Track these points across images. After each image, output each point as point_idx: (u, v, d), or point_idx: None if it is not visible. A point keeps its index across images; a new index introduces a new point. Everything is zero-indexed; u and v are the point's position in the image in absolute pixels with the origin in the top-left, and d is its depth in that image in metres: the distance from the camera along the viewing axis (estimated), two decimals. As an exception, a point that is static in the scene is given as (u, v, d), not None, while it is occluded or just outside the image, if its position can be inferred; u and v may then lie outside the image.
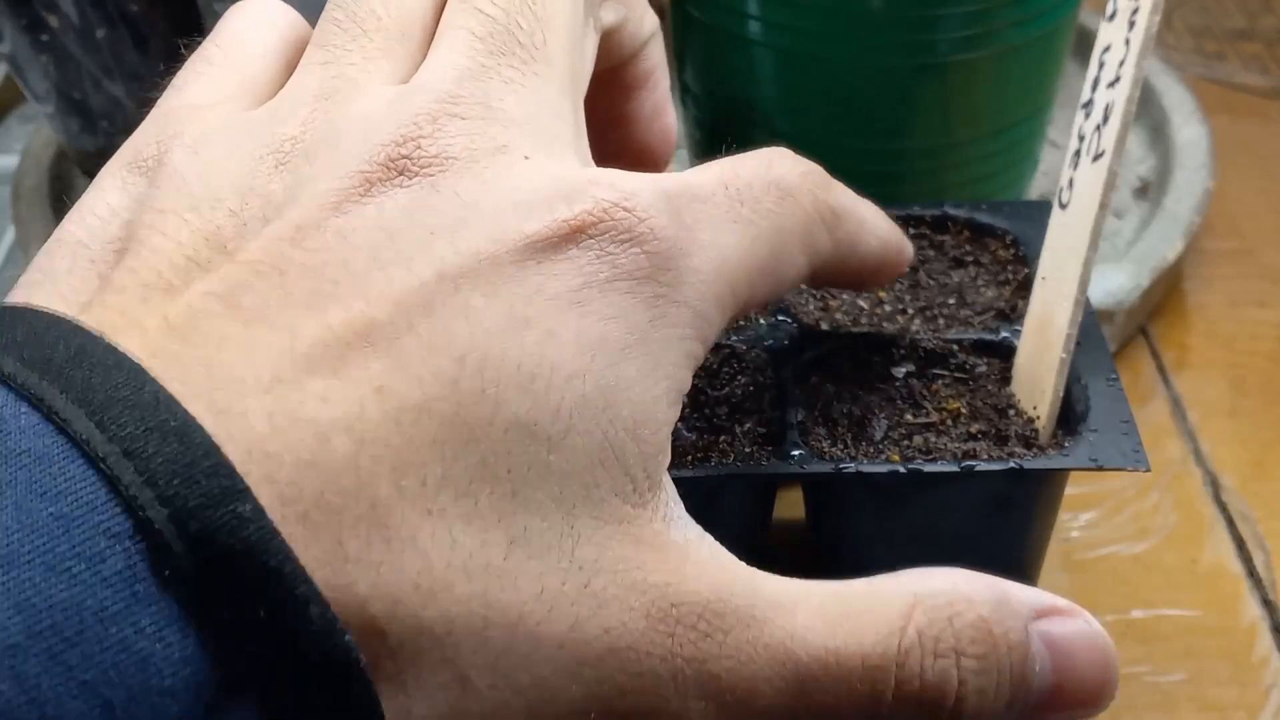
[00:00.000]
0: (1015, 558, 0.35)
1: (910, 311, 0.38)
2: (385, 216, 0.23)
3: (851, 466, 0.32)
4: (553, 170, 0.24)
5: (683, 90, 0.50)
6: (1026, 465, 0.32)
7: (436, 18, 0.27)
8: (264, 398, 0.20)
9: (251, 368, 0.21)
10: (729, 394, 0.35)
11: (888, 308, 0.38)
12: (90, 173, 0.57)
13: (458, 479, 0.21)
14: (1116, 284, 0.51)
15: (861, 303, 0.38)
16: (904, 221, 0.40)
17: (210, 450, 0.19)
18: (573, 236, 0.23)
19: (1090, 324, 0.35)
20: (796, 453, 0.32)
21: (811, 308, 0.38)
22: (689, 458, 0.33)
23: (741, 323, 0.37)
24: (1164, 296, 0.56)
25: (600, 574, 0.23)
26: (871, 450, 0.33)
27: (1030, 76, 0.46)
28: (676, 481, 0.32)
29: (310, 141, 0.24)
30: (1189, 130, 0.60)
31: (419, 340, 0.22)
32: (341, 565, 0.20)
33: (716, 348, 0.36)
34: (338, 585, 0.20)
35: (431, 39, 0.27)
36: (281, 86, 0.27)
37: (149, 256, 0.23)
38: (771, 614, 0.25)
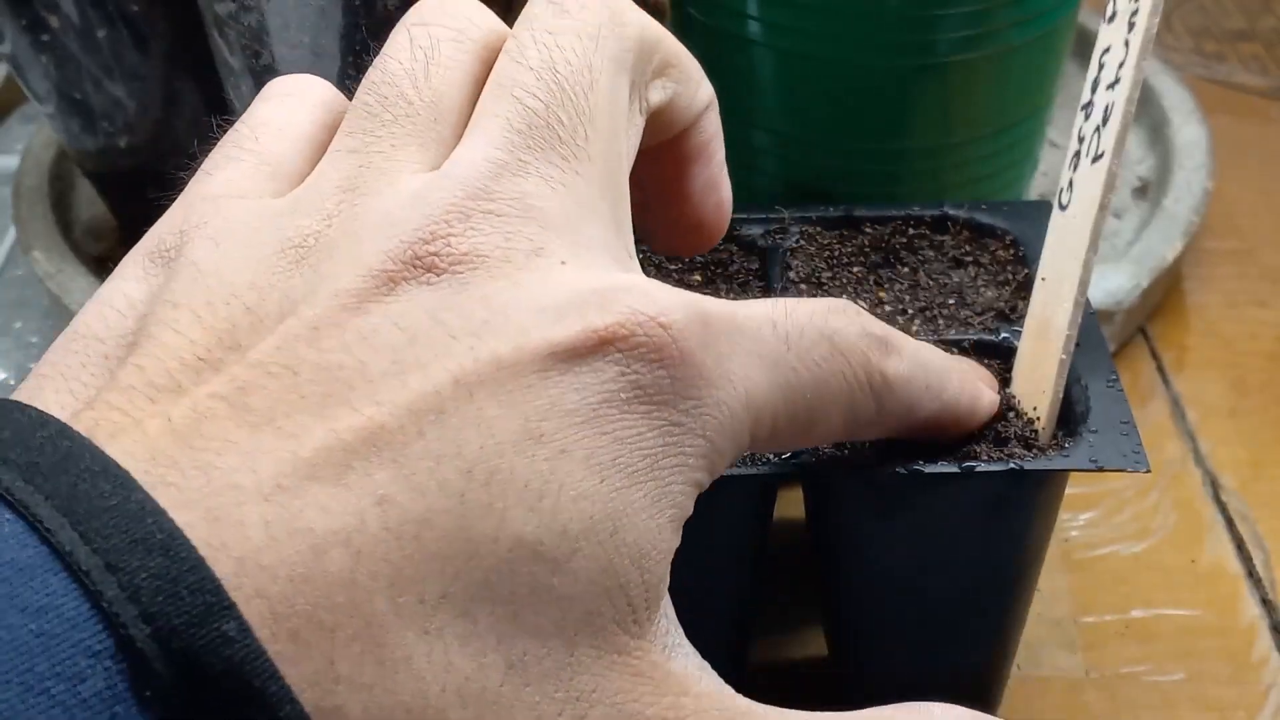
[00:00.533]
0: (1015, 559, 0.35)
1: (910, 312, 0.38)
2: (407, 317, 0.22)
3: (851, 468, 0.32)
4: (589, 278, 0.23)
5: (683, 90, 0.50)
6: (1026, 466, 0.32)
7: (473, 100, 0.25)
8: (262, 506, 0.20)
9: (253, 474, 0.20)
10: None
11: (888, 308, 0.38)
12: (90, 173, 0.57)
13: (458, 597, 0.21)
14: (1116, 284, 0.51)
15: (861, 303, 0.38)
16: (904, 222, 0.40)
17: (197, 564, 0.19)
18: (600, 348, 0.22)
19: (1090, 325, 0.35)
20: (796, 453, 0.32)
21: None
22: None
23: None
24: (1163, 297, 0.56)
25: (598, 705, 0.22)
26: (871, 451, 0.33)
27: (1030, 77, 0.46)
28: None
29: (332, 236, 0.23)
30: (1188, 130, 0.60)
31: (427, 449, 0.21)
32: (332, 686, 0.19)
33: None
34: (326, 707, 0.19)
35: (466, 122, 0.25)
36: (312, 171, 0.26)
37: (159, 354, 0.22)
38: None
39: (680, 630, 0.24)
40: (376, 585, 0.20)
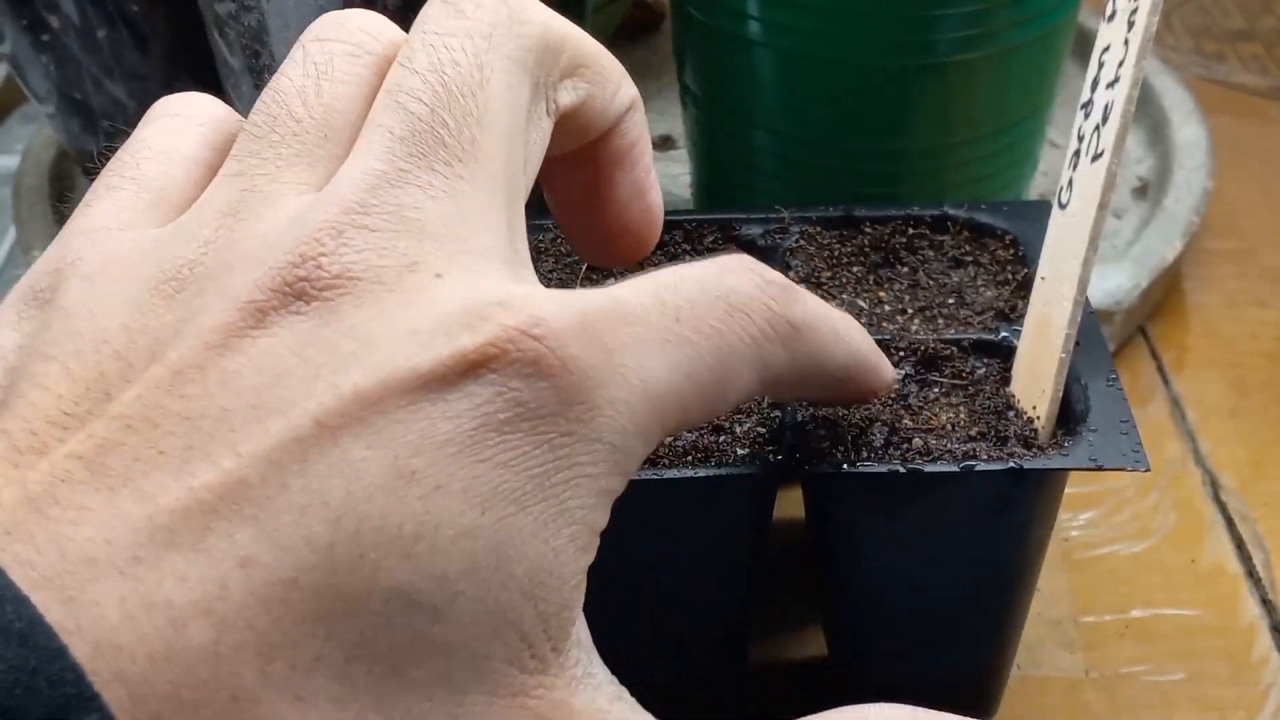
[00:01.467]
0: (1014, 558, 0.35)
1: (910, 311, 0.38)
2: (273, 354, 0.20)
3: (851, 467, 0.32)
4: (463, 291, 0.22)
5: (683, 90, 0.51)
6: (1026, 465, 0.32)
7: (366, 113, 0.24)
8: (118, 581, 0.19)
9: (107, 546, 0.19)
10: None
11: (887, 307, 0.38)
12: (91, 174, 0.57)
13: (332, 658, 0.19)
14: (1116, 284, 0.51)
15: (861, 302, 0.38)
16: (904, 221, 0.40)
17: (56, 653, 0.18)
18: (472, 370, 0.21)
19: (1090, 324, 0.35)
20: (796, 454, 0.32)
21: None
22: (689, 457, 0.33)
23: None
24: (1163, 296, 0.56)
25: None
26: (871, 451, 0.33)
27: (1030, 77, 0.46)
28: (676, 481, 0.32)
29: (209, 266, 0.22)
30: (1188, 130, 0.60)
31: (291, 501, 0.19)
32: None
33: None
34: None
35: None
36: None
37: (25, 414, 0.20)
38: None
39: (594, 657, 0.23)
40: (242, 655, 0.19)
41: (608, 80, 0.27)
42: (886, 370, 0.31)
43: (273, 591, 0.19)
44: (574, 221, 0.29)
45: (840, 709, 0.24)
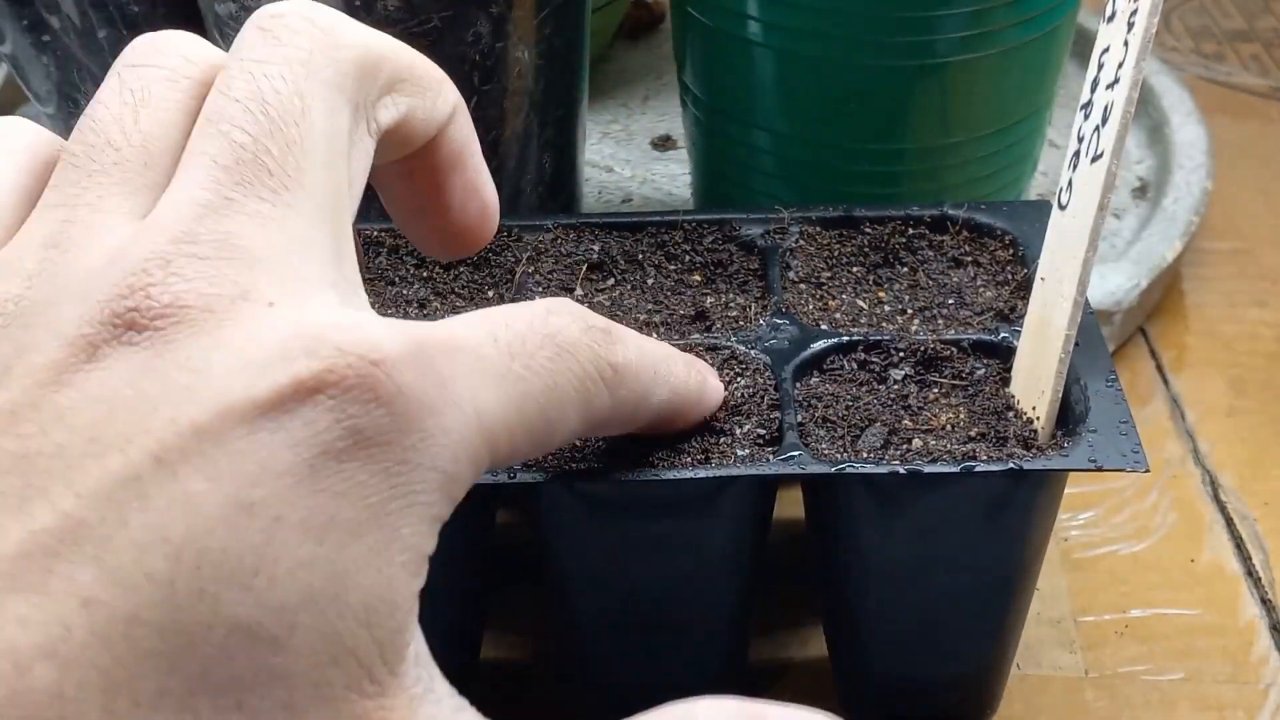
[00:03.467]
0: (1014, 558, 0.35)
1: (909, 312, 0.38)
2: (107, 388, 0.20)
3: (851, 468, 0.32)
4: (297, 319, 0.22)
5: (683, 90, 0.51)
6: (1026, 466, 0.32)
7: (186, 139, 0.24)
8: None
9: None
10: (729, 396, 0.35)
11: (887, 308, 0.38)
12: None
13: (175, 692, 0.19)
14: (1115, 284, 0.51)
15: (861, 303, 0.38)
16: (903, 222, 0.40)
17: None
18: (310, 397, 0.21)
19: (1089, 324, 0.35)
20: (796, 454, 0.32)
21: (811, 308, 0.38)
22: (688, 459, 0.33)
23: (741, 324, 0.37)
24: (1163, 296, 0.56)
25: None
26: (871, 451, 0.33)
27: (1030, 77, 0.46)
28: (676, 483, 0.32)
29: (33, 300, 0.22)
30: (1188, 130, 0.60)
31: (131, 539, 0.19)
32: None
33: (715, 349, 0.36)
34: None
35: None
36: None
37: None
38: None
39: (434, 672, 0.23)
40: (87, 695, 0.19)
41: (427, 90, 0.27)
42: (712, 396, 0.32)
43: (115, 629, 0.19)
44: (412, 225, 0.30)
45: (667, 705, 0.24)
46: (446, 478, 0.22)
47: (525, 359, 0.24)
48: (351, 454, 0.21)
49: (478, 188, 0.30)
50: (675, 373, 0.30)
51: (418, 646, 0.22)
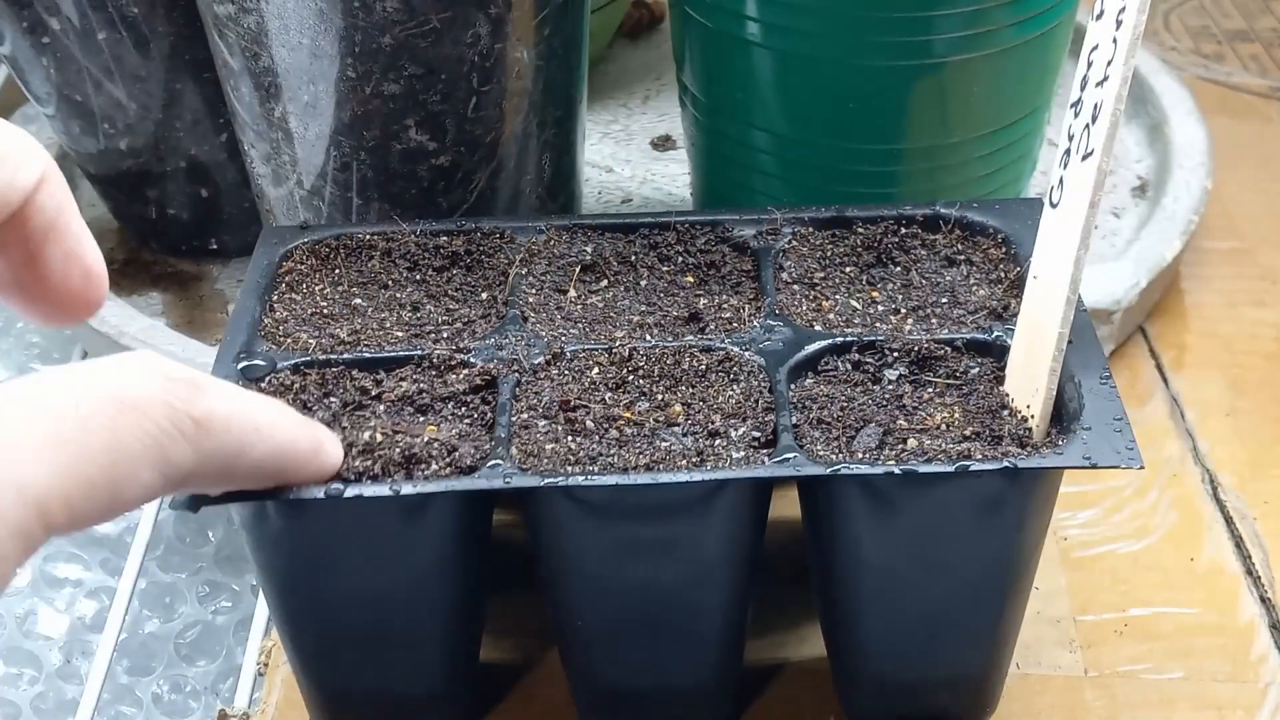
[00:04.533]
0: (1010, 557, 0.35)
1: (903, 311, 0.38)
2: None
3: (846, 468, 0.32)
4: None
5: (682, 90, 0.51)
6: (1021, 464, 0.32)
7: None
8: None
9: None
10: (724, 398, 0.35)
11: (880, 308, 0.38)
12: (91, 175, 0.57)
13: None
14: (1115, 283, 0.51)
15: (854, 303, 0.38)
16: (896, 221, 0.40)
17: None
18: None
19: (1082, 322, 0.35)
20: (791, 455, 0.32)
21: (805, 309, 0.38)
22: (684, 462, 0.33)
23: (734, 325, 0.37)
24: (1162, 296, 0.56)
25: None
26: (866, 452, 0.33)
27: (1028, 77, 0.46)
28: (673, 485, 0.32)
29: None
30: (1187, 130, 0.60)
31: None
32: None
33: (709, 350, 0.36)
34: None
35: None
36: None
37: None
38: None
39: None
40: None
41: (2, 164, 0.27)
42: (328, 458, 0.32)
43: None
44: (13, 294, 0.29)
45: None
46: None
47: (80, 421, 0.24)
48: None
49: (78, 254, 0.29)
50: (281, 427, 0.29)
51: None
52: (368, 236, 0.41)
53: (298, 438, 0.30)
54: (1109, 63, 0.29)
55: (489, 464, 0.32)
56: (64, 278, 0.29)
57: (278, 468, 0.30)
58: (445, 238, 0.41)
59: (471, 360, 0.36)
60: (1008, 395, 0.34)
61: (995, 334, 0.36)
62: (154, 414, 0.25)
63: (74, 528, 0.24)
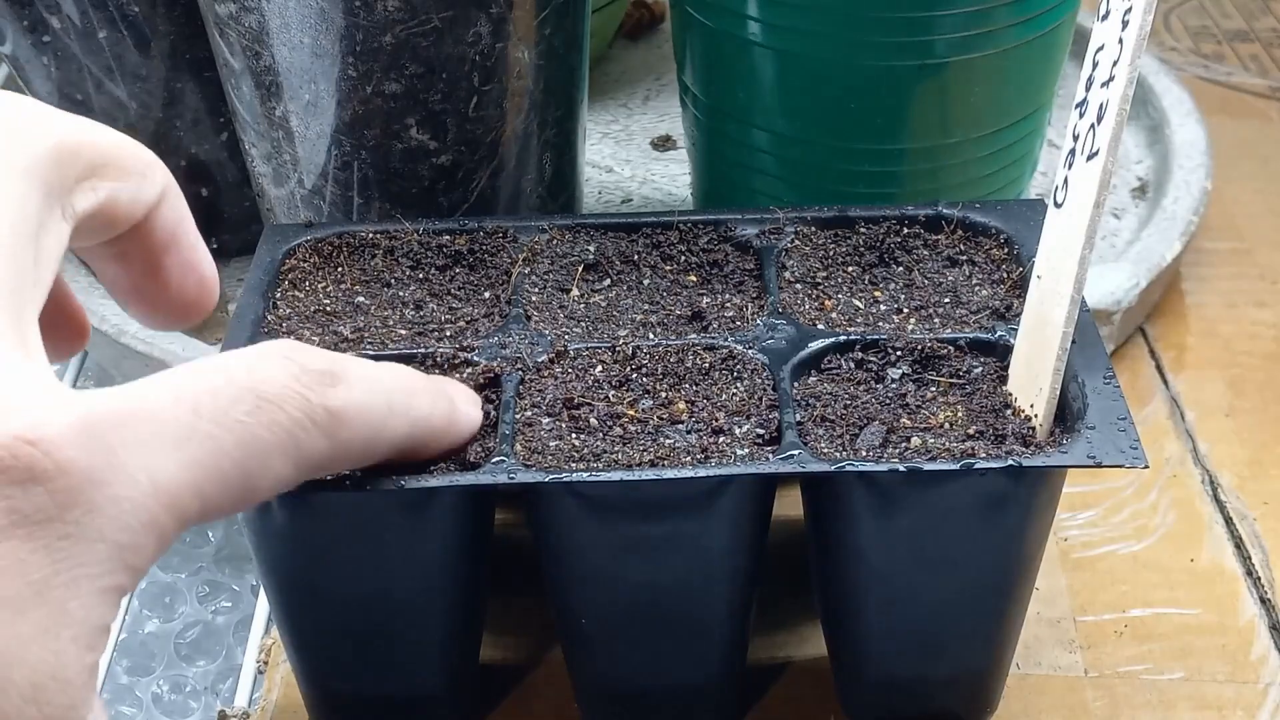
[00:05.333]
0: (1013, 556, 0.35)
1: (905, 311, 0.38)
2: None
3: (850, 466, 0.32)
4: None
5: (682, 90, 0.51)
6: (1025, 463, 0.32)
7: None
8: None
9: None
10: (727, 396, 0.35)
11: (883, 307, 0.38)
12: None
13: None
14: (1115, 284, 0.51)
15: (857, 302, 0.38)
16: (898, 221, 0.40)
17: None
18: None
19: (1085, 322, 0.35)
20: (795, 452, 0.32)
21: (807, 308, 0.38)
22: (689, 459, 0.33)
23: (737, 324, 0.37)
24: (1162, 296, 0.56)
25: None
26: (869, 450, 0.33)
27: (1029, 77, 0.46)
28: (676, 482, 0.32)
29: None
30: (1187, 130, 0.60)
31: None
32: None
33: (712, 348, 0.36)
34: None
35: None
36: None
37: None
38: None
39: None
40: None
41: (131, 175, 0.27)
42: (463, 424, 0.32)
43: None
44: (132, 300, 0.30)
45: None
46: (119, 548, 0.22)
47: (215, 415, 0.24)
48: (9, 534, 0.21)
49: (195, 265, 0.30)
50: (416, 405, 0.30)
51: (98, 718, 0.23)
52: (371, 235, 0.41)
53: (432, 413, 0.31)
54: (1115, 63, 0.29)
55: (493, 460, 0.32)
56: (181, 286, 0.30)
57: (413, 444, 0.30)
58: (448, 236, 0.41)
59: (475, 358, 0.36)
60: (1011, 395, 0.34)
61: (998, 334, 0.36)
62: (288, 407, 0.25)
63: (206, 519, 0.24)
